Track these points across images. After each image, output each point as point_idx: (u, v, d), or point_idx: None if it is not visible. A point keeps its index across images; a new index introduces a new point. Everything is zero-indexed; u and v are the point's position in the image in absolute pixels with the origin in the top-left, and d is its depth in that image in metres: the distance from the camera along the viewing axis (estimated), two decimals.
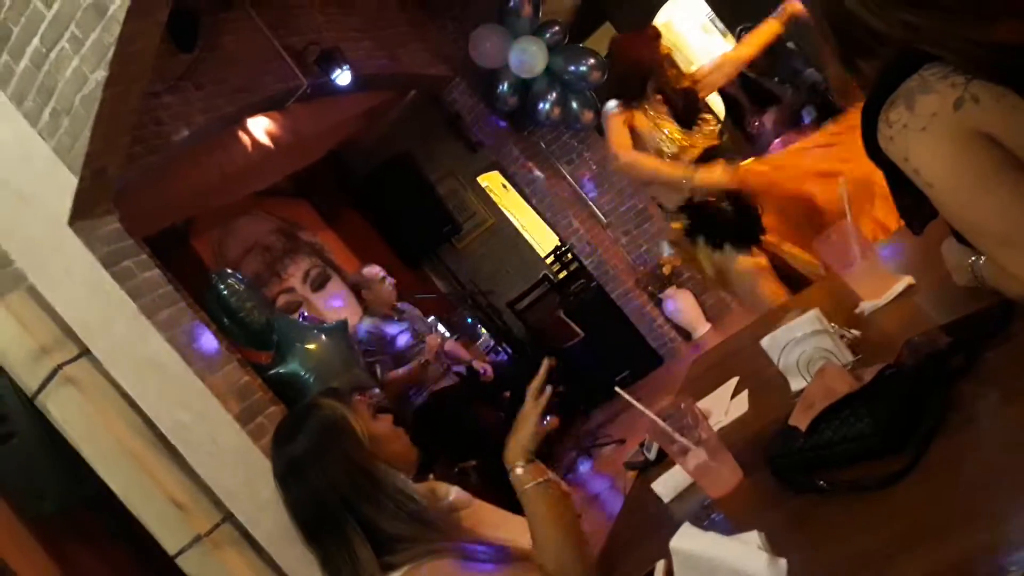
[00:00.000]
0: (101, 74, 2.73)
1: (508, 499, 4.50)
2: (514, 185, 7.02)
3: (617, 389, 1.54)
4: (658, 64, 3.33)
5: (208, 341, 3.32)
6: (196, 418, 3.17)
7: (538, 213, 6.69)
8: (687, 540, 0.97)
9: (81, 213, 3.07)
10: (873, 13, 1.14)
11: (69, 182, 2.98)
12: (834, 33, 1.23)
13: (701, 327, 6.36)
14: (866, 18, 1.15)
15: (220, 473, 3.18)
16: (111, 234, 3.21)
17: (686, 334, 6.42)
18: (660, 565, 1.23)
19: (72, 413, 3.12)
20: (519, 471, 1.59)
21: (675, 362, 6.16)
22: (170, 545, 3.12)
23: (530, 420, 1.62)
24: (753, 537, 0.93)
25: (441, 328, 5.89)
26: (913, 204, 1.21)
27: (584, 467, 5.30)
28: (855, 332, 1.51)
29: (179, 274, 3.76)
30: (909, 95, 1.11)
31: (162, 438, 3.15)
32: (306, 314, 5.40)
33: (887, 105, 1.14)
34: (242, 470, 3.13)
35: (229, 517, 3.18)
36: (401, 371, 4.83)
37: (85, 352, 3.13)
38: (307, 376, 3.81)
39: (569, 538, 1.49)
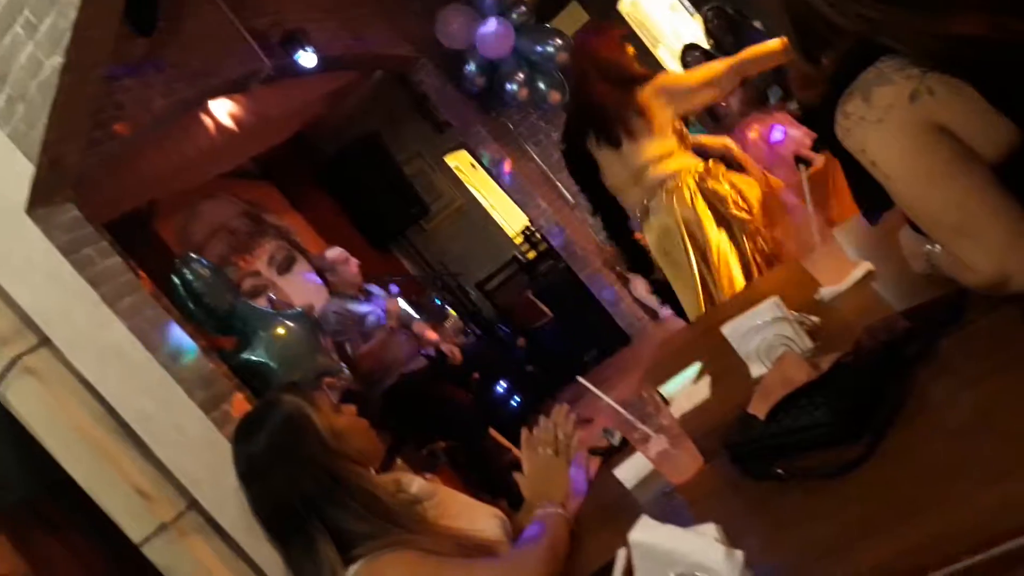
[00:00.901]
0: (57, 60, 2.67)
1: (475, 480, 4.51)
2: (482, 166, 6.99)
3: (580, 379, 1.55)
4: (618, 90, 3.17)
5: (171, 328, 3.29)
6: (160, 406, 3.14)
7: (506, 194, 6.68)
8: (645, 533, 0.97)
9: (39, 201, 3.01)
10: (832, 6, 1.14)
11: (26, 170, 2.92)
12: (793, 25, 1.23)
13: (667, 307, 6.39)
14: (825, 11, 1.15)
15: (185, 461, 3.15)
16: (71, 222, 3.15)
17: (654, 313, 6.46)
18: (621, 554, 1.24)
19: (33, 403, 3.08)
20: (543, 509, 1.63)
21: (642, 341, 6.20)
22: (135, 534, 3.10)
23: (564, 476, 1.69)
24: (711, 529, 0.93)
25: (408, 308, 5.87)
26: (870, 194, 1.21)
27: None
28: (814, 319, 1.52)
29: (143, 260, 3.71)
30: (866, 87, 1.12)
31: (125, 427, 3.11)
32: (273, 297, 5.36)
33: (844, 97, 1.14)
34: (207, 458, 3.11)
35: (194, 505, 3.16)
36: (370, 344, 4.82)
37: (45, 342, 3.08)
38: (272, 363, 3.79)
39: (557, 561, 1.49)
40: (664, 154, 3.15)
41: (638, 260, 3.50)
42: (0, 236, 3.04)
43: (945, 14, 1.08)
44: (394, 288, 5.56)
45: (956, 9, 1.08)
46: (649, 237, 3.28)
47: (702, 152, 3.26)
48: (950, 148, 1.08)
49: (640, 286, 6.28)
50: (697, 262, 3.12)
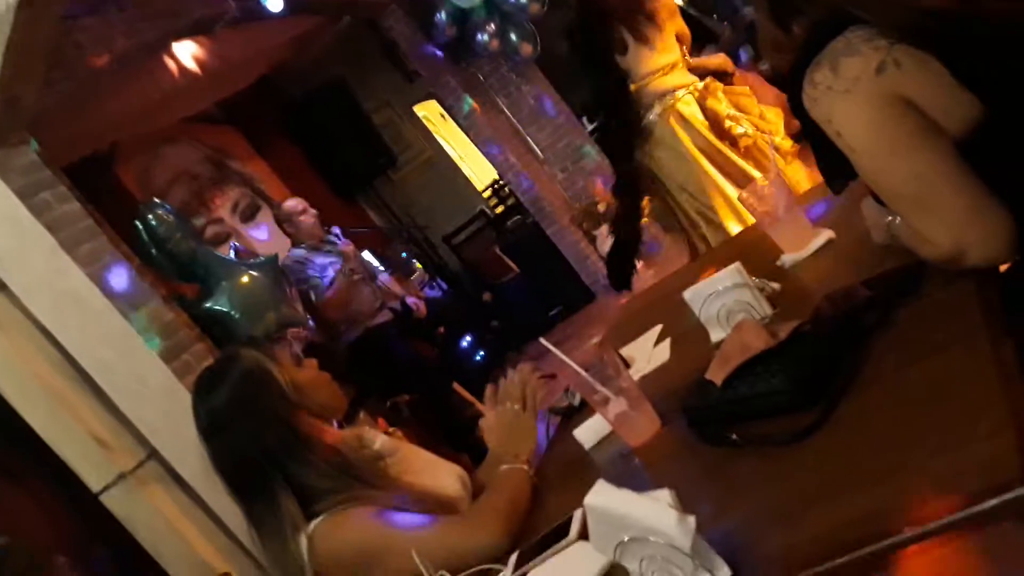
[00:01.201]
0: None
1: (438, 434, 4.51)
2: (452, 117, 6.92)
3: (542, 340, 1.55)
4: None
5: (131, 276, 3.24)
6: (119, 355, 3.10)
7: (476, 146, 6.62)
8: (601, 497, 0.98)
9: None
10: None
11: None
12: None
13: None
14: None
15: (144, 411, 3.13)
16: (27, 165, 3.08)
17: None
18: (577, 515, 1.25)
19: None
20: (510, 464, 1.61)
21: (607, 298, 6.23)
22: (93, 483, 3.08)
23: (532, 432, 1.69)
24: (664, 495, 0.94)
25: (374, 260, 5.83)
26: (834, 164, 1.22)
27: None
28: (775, 285, 1.53)
29: (102, 205, 3.63)
30: (834, 57, 1.12)
31: (84, 375, 3.08)
32: (237, 246, 5.29)
33: (812, 66, 1.14)
34: (167, 408, 3.09)
35: (154, 454, 3.14)
36: (332, 291, 4.80)
37: (1, 287, 3.02)
38: (234, 312, 3.75)
39: (515, 520, 1.49)
40: (668, 65, 3.13)
41: (630, 185, 3.37)
42: None
43: None
44: (372, 258, 5.53)
45: None
46: (652, 156, 3.23)
47: (701, 74, 3.25)
48: (914, 121, 1.08)
49: (607, 244, 6.28)
50: (692, 198, 3.12)
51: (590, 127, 6.37)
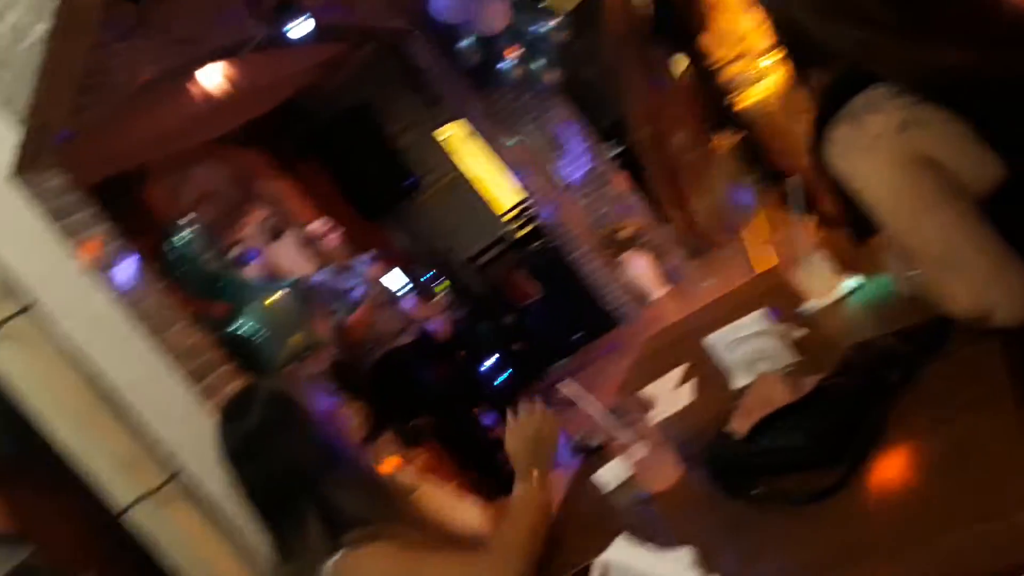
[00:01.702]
0: (44, 26, 2.63)
1: (460, 457, 4.49)
2: (476, 141, 6.95)
3: (561, 387, 1.55)
4: None
5: (159, 297, 3.28)
6: (146, 375, 3.14)
7: (500, 170, 6.64)
8: (622, 553, 0.98)
9: (25, 167, 2.98)
10: (816, 23, 1.13)
11: (11, 135, 2.89)
12: (784, 39, 1.22)
13: (657, 291, 6.41)
14: (811, 28, 1.14)
15: (170, 430, 3.16)
16: (58, 187, 3.12)
17: (643, 297, 6.47)
18: (597, 564, 1.25)
19: (17, 367, 3.07)
20: (528, 483, 1.60)
21: (629, 325, 6.22)
22: (118, 501, 3.11)
23: (553, 442, 1.64)
24: (686, 553, 0.95)
25: (402, 279, 5.84)
26: (858, 215, 1.21)
27: None
28: (801, 331, 1.53)
29: (130, 224, 3.68)
30: (856, 114, 1.12)
31: (110, 394, 3.11)
32: (259, 264, 5.34)
33: (834, 121, 1.14)
34: (192, 427, 3.12)
35: (179, 473, 3.17)
36: (357, 313, 4.82)
37: (31, 306, 3.07)
38: (261, 333, 3.78)
39: (534, 550, 1.49)
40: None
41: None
42: None
43: (934, 43, 1.07)
44: (378, 262, 5.54)
45: (945, 39, 1.07)
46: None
47: None
48: (937, 180, 1.08)
49: (638, 265, 6.27)
50: None
51: (614, 152, 6.40)
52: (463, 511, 1.73)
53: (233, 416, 1.63)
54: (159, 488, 3.17)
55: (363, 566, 1.48)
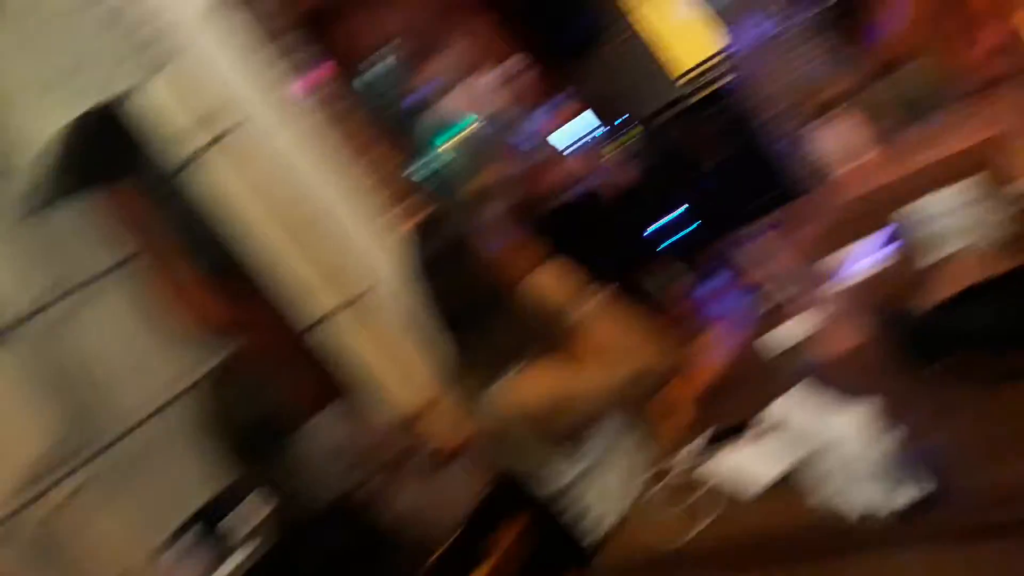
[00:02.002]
0: None
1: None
2: None
3: (741, 250, 1.51)
4: None
5: (355, 125, 3.43)
6: (338, 199, 3.33)
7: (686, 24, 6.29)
8: (797, 401, 0.98)
9: None
10: None
11: None
12: None
13: (859, 157, 6.02)
14: None
15: (363, 250, 3.36)
16: (263, 14, 3.28)
17: (842, 162, 6.11)
18: (770, 411, 1.24)
19: (231, 179, 3.32)
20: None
21: (824, 191, 5.92)
22: (311, 315, 3.37)
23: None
24: (863, 408, 0.92)
25: (592, 123, 5.77)
26: None
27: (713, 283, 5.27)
28: (1009, 208, 1.40)
29: (328, 57, 3.80)
30: None
31: (312, 212, 3.33)
32: (451, 101, 5.41)
33: None
34: (380, 253, 3.30)
35: (366, 294, 3.37)
36: (535, 159, 4.85)
37: (241, 124, 3.27)
38: (447, 168, 3.88)
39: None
40: None
41: None
42: (193, 28, 3.19)
43: None
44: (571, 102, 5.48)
45: None
46: None
47: None
48: None
49: (840, 129, 5.90)
50: None
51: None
52: (618, 346, 1.77)
53: (420, 240, 1.75)
54: (352, 303, 3.40)
55: (527, 384, 1.59)
